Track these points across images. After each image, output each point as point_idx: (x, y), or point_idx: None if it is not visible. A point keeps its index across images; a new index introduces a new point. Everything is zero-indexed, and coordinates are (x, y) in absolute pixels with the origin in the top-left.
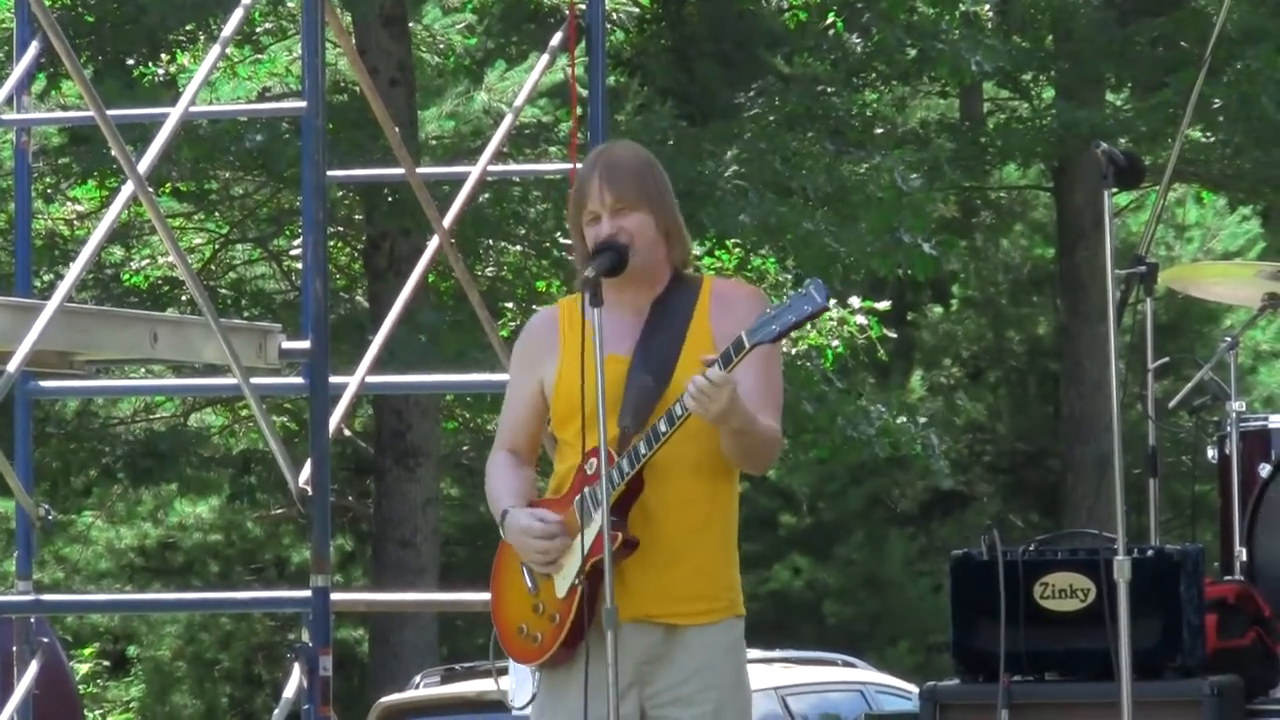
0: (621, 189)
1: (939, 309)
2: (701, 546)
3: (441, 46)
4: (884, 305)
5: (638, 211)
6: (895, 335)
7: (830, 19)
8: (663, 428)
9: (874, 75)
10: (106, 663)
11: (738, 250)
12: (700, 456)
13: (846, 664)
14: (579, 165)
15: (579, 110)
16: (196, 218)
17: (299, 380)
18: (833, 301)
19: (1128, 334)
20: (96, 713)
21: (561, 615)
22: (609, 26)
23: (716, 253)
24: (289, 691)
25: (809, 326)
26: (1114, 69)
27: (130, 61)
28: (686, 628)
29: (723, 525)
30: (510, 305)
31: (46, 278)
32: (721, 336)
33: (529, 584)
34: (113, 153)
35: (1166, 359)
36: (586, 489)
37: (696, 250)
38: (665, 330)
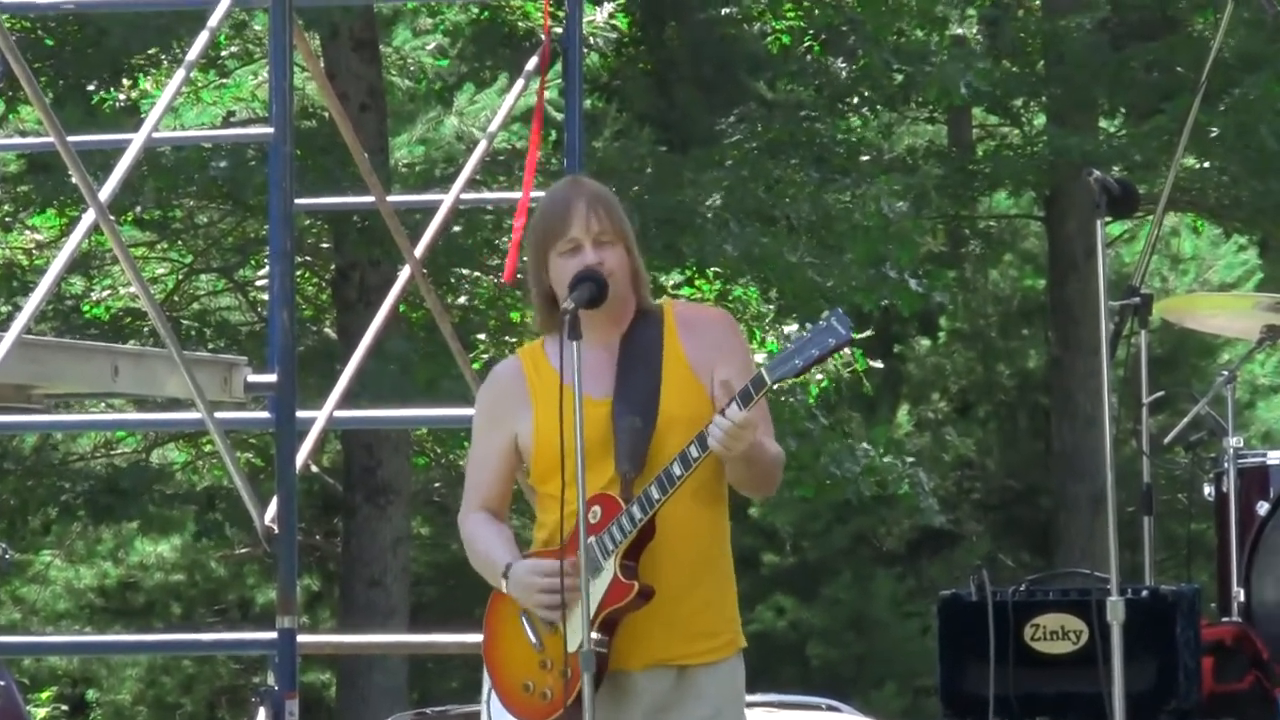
0: (608, 220)
1: (926, 341)
2: (707, 579)
3: (412, 69)
4: (865, 335)
5: (618, 245)
6: (881, 365)
7: (808, 43)
8: (677, 471)
9: (859, 100)
10: (65, 707)
11: (718, 281)
12: (698, 485)
13: (831, 708)
14: (537, 193)
15: (550, 135)
16: (159, 247)
17: (265, 415)
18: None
19: (1121, 367)
20: None
21: (574, 670)
22: (585, 50)
23: (697, 282)
24: None
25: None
26: (1107, 94)
27: (91, 86)
28: (697, 668)
29: (723, 555)
30: (483, 337)
31: (4, 309)
32: (697, 363)
33: (532, 639)
34: (73, 180)
35: (1161, 393)
36: (593, 538)
37: (675, 279)
38: (640, 366)
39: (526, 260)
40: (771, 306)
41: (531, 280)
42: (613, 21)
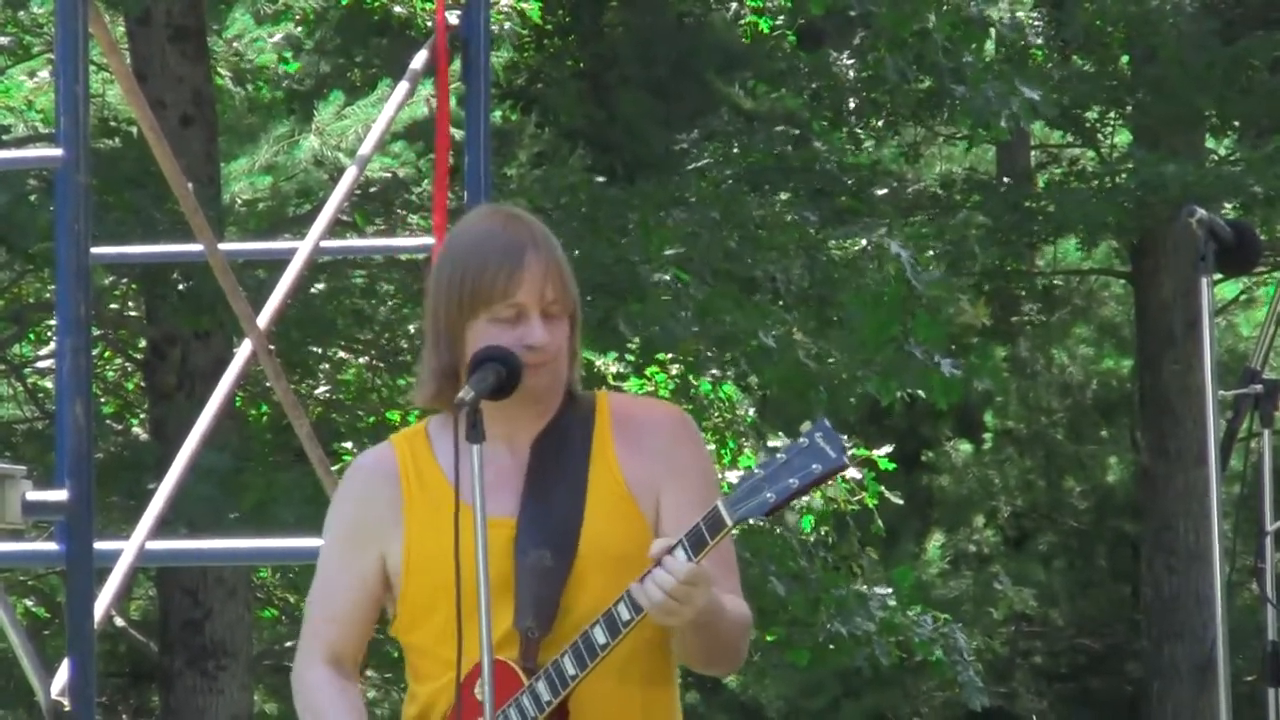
0: (562, 284)
1: (967, 446)
2: None
3: (251, 68)
4: (882, 452)
5: (565, 318)
6: (901, 500)
7: (778, 30)
8: (601, 639)
9: (872, 111)
10: None
11: (676, 367)
12: (628, 656)
13: None
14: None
15: (450, 160)
16: None
17: (52, 546)
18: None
19: (1238, 482)
20: None
21: None
22: (494, 42)
23: (647, 371)
24: None
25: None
26: (1216, 103)
27: None
28: None
29: None
30: (349, 446)
31: None
32: (635, 480)
33: None
34: None
35: None
36: None
37: (615, 368)
38: (558, 477)
39: (427, 315)
40: (751, 408)
41: (429, 341)
42: (523, 5)
